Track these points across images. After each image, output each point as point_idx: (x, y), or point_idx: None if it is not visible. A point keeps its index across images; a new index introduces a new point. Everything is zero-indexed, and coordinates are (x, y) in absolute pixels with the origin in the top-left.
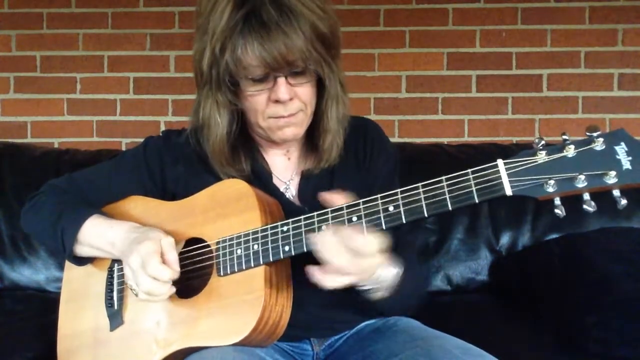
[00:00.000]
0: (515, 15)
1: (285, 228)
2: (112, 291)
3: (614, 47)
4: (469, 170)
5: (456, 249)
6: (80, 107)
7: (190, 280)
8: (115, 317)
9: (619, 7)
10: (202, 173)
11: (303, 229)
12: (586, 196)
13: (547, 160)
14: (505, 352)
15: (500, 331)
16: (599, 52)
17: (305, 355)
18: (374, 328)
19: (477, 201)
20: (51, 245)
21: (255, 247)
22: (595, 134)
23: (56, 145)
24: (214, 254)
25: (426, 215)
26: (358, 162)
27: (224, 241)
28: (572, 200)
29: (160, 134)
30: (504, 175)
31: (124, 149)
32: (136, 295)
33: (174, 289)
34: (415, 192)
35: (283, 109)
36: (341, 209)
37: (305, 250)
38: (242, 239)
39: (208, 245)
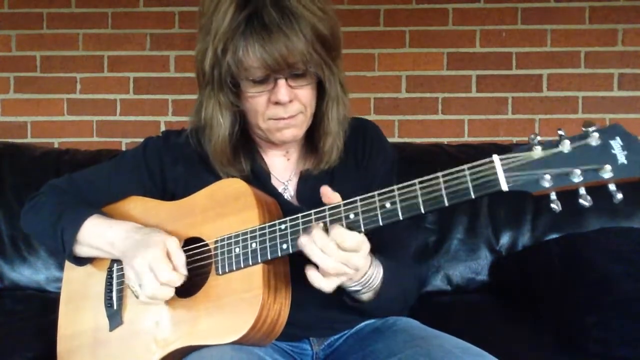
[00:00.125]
0: (515, 15)
1: (283, 226)
2: (111, 291)
3: (614, 47)
4: (465, 166)
5: (456, 249)
6: (80, 107)
7: (189, 280)
8: (115, 317)
9: (619, 7)
10: (202, 173)
11: (301, 227)
12: (582, 191)
13: (542, 155)
14: (505, 352)
15: (500, 331)
16: (599, 52)
17: (305, 355)
18: (373, 328)
19: (473, 197)
20: (51, 246)
21: (254, 245)
22: (590, 129)
23: (56, 145)
24: (212, 252)
25: (423, 211)
26: (357, 162)
27: (222, 240)
28: (572, 200)
29: (160, 135)
30: (500, 171)
31: (124, 149)
32: (137, 297)
33: (174, 290)
34: (411, 188)
35: (283, 110)
36: (338, 206)
37: None
38: (240, 238)
39: (206, 245)
